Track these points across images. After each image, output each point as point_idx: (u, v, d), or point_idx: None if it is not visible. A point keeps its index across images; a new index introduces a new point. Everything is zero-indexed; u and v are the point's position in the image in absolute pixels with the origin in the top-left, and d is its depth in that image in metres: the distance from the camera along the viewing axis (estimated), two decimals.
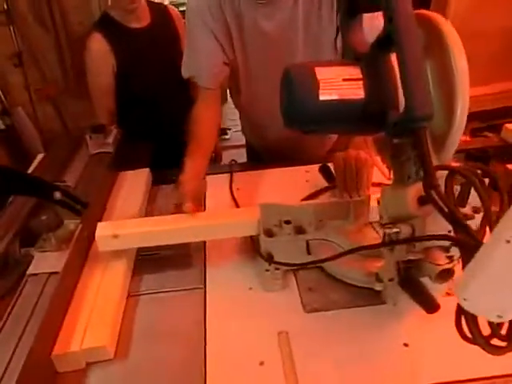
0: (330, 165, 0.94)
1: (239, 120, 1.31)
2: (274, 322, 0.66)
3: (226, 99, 3.74)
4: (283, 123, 0.57)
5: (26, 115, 1.95)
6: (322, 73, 0.53)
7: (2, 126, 1.81)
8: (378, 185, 0.64)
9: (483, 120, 1.74)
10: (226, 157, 1.74)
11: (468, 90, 0.51)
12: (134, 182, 1.02)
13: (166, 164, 1.13)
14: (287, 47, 0.92)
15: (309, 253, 0.73)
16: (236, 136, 3.22)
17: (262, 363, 0.60)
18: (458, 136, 0.52)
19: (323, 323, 0.66)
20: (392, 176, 0.62)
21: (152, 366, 0.61)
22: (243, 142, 1.46)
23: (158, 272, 0.79)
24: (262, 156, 1.30)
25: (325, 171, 0.96)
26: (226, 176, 1.08)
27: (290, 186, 1.00)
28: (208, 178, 1.07)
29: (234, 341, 0.64)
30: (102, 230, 0.73)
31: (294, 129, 0.57)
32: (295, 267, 0.71)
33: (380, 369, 0.59)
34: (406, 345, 0.61)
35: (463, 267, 0.41)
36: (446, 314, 0.54)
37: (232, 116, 3.63)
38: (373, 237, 0.72)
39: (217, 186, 1.04)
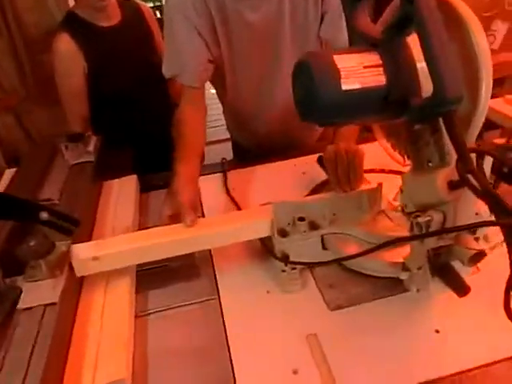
0: None
1: (222, 115, 1.26)
2: (299, 325, 0.63)
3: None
4: (299, 116, 0.53)
5: None
6: (341, 61, 0.49)
7: None
8: (396, 172, 0.61)
9: None
10: (208, 153, 1.69)
11: (491, 70, 0.49)
12: (122, 191, 0.96)
13: (149, 168, 1.07)
14: (273, 40, 0.89)
15: (324, 248, 0.71)
16: (212, 132, 3.17)
17: (295, 372, 0.57)
18: (482, 117, 0.50)
19: (350, 320, 0.63)
20: (409, 162, 0.61)
21: None
22: (222, 137, 1.42)
23: (164, 287, 0.74)
24: (248, 152, 1.25)
25: (322, 163, 0.93)
26: (218, 176, 1.03)
27: (287, 180, 0.96)
28: (200, 179, 1.02)
29: (261, 351, 0.60)
30: (80, 253, 0.67)
31: (311, 121, 0.53)
32: (315, 265, 0.68)
33: (414, 358, 0.57)
34: (437, 331, 0.59)
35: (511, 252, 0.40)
36: (473, 295, 0.54)
37: (208, 111, 3.55)
38: (387, 225, 0.70)
39: (211, 188, 0.99)
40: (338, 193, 0.72)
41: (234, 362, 0.59)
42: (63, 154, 1.04)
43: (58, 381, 0.55)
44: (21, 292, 0.64)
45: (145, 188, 1.02)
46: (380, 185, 0.69)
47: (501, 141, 0.86)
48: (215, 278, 0.73)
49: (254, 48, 0.90)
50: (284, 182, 0.94)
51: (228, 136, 1.37)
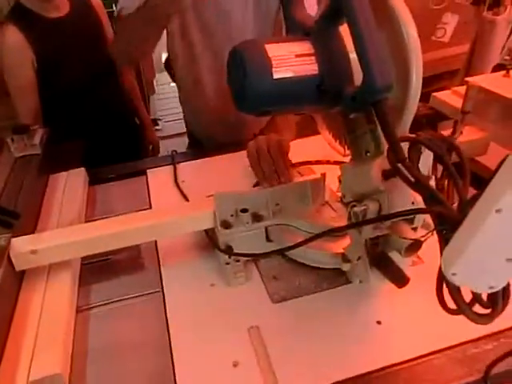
0: None
1: (180, 107, 1.24)
2: (242, 318, 0.62)
3: (154, 90, 3.62)
4: (235, 106, 0.52)
5: None
6: (272, 50, 0.49)
7: None
8: (341, 163, 0.62)
9: None
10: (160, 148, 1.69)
11: (421, 57, 0.49)
12: (69, 184, 0.93)
13: (100, 161, 1.05)
14: (238, 22, 0.89)
15: (268, 240, 0.70)
16: (167, 126, 3.14)
17: (235, 364, 0.56)
18: (414, 105, 0.51)
19: (293, 312, 0.63)
20: (348, 152, 0.61)
21: None
22: (175, 131, 1.42)
23: (107, 280, 0.72)
24: (202, 144, 1.25)
25: None
26: (168, 168, 1.02)
27: (236, 172, 0.95)
28: (148, 172, 1.01)
29: (203, 344, 0.59)
30: (18, 246, 0.65)
31: (245, 111, 0.53)
32: (258, 257, 0.67)
33: (356, 349, 0.57)
34: (378, 322, 0.60)
35: (441, 240, 0.40)
36: (411, 284, 0.55)
37: (161, 106, 3.53)
38: (331, 216, 0.70)
39: (159, 181, 0.98)
40: (266, 188, 0.71)
41: (174, 355, 0.58)
42: (9, 146, 1.00)
43: None
44: None
45: (94, 181, 0.99)
46: (323, 175, 0.69)
47: (448, 132, 0.88)
48: (160, 270, 0.72)
49: (219, 30, 0.93)
50: (235, 174, 0.94)
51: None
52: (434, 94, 1.00)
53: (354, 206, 0.52)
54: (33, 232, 0.79)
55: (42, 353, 0.56)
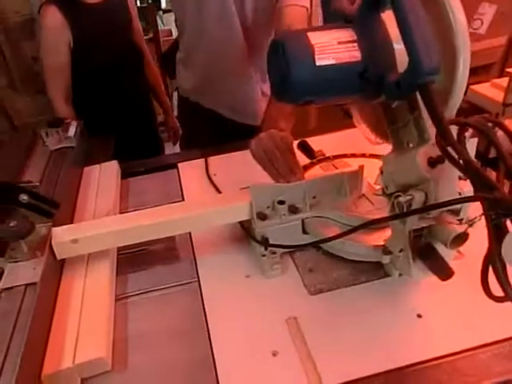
0: (307, 140, 0.92)
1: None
2: (279, 309, 0.62)
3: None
4: (275, 98, 0.53)
5: None
6: (315, 37, 0.49)
7: None
8: (377, 156, 0.61)
9: None
10: None
11: (469, 44, 0.49)
12: (103, 177, 0.95)
13: (127, 155, 1.06)
14: None
15: (304, 232, 0.70)
16: None
17: (274, 354, 0.56)
18: (461, 92, 0.50)
19: (331, 304, 0.63)
20: (380, 141, 0.61)
21: (156, 372, 0.56)
22: None
23: (143, 270, 0.73)
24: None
25: (304, 148, 0.92)
26: (199, 162, 1.02)
27: None
28: (180, 165, 1.02)
29: (241, 333, 0.60)
30: (60, 235, 0.67)
31: (287, 101, 0.53)
32: (295, 249, 0.67)
33: (395, 342, 0.57)
34: (419, 316, 0.59)
35: (491, 227, 0.39)
36: (454, 279, 0.54)
37: None
38: (368, 209, 0.69)
39: (191, 174, 0.99)
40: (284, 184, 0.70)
41: (213, 344, 0.59)
42: (43, 140, 1.02)
43: (39, 356, 0.54)
44: (2, 272, 0.63)
45: (126, 174, 1.01)
46: (361, 167, 0.69)
47: None
48: (195, 261, 0.73)
49: None
50: None
51: None
52: (472, 87, 0.97)
53: (399, 196, 0.52)
54: (70, 222, 0.80)
55: (86, 338, 0.57)
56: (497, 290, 0.42)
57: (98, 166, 0.99)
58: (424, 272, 0.56)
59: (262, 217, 0.68)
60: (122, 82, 1.36)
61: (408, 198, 0.50)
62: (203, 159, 1.02)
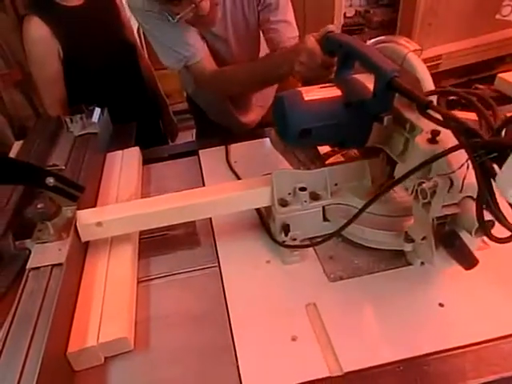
0: None
1: None
2: (299, 295, 0.63)
3: None
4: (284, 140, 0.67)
5: None
6: (306, 90, 0.63)
7: None
8: None
9: (470, 73, 1.71)
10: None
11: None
12: (125, 162, 0.96)
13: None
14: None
15: (325, 219, 0.70)
16: None
17: (294, 338, 0.57)
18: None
19: (350, 291, 0.63)
20: None
21: (177, 353, 0.57)
22: None
23: (165, 254, 0.74)
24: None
25: None
26: (220, 149, 1.03)
27: None
28: (201, 152, 1.02)
29: (260, 318, 0.60)
30: (84, 218, 0.68)
31: (289, 137, 0.62)
32: (315, 245, 0.68)
33: (416, 330, 0.56)
34: (441, 305, 0.59)
35: (477, 168, 0.43)
36: (476, 269, 0.53)
37: None
38: (391, 196, 0.69)
39: (212, 161, 0.99)
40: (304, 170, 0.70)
41: (233, 328, 0.59)
42: (68, 126, 1.04)
43: (64, 335, 0.56)
44: (30, 253, 0.66)
45: (147, 160, 1.02)
46: (384, 154, 0.67)
47: None
48: (215, 246, 0.73)
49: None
50: None
51: None
52: (500, 75, 0.95)
53: (422, 182, 0.51)
54: (94, 206, 0.82)
55: (110, 318, 0.59)
56: None
57: (120, 151, 1.01)
58: (447, 261, 0.55)
59: (283, 203, 0.68)
60: (118, 79, 1.31)
61: (432, 183, 0.49)
62: (223, 146, 1.02)
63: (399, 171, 0.59)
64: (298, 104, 0.61)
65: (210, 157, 1.01)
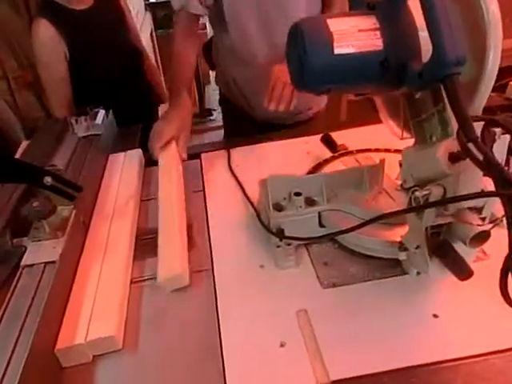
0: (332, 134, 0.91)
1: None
2: (290, 301, 0.62)
3: (210, 81, 3.67)
4: (294, 86, 0.52)
5: (6, 105, 1.84)
6: (334, 24, 0.48)
7: None
8: (396, 152, 0.59)
9: None
10: (211, 138, 1.69)
11: (501, 35, 0.46)
12: (127, 164, 0.97)
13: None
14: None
15: (321, 225, 0.69)
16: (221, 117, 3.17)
17: (282, 345, 0.56)
18: (489, 85, 0.47)
19: (343, 299, 0.62)
20: (407, 135, 0.59)
21: (165, 355, 0.57)
22: None
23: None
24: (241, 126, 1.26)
25: (326, 141, 0.91)
26: (222, 152, 1.03)
27: (290, 159, 0.95)
28: (203, 155, 1.03)
29: (250, 323, 0.60)
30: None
31: (304, 89, 0.52)
32: (309, 241, 0.66)
33: (409, 342, 0.55)
34: (435, 316, 0.57)
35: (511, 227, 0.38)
36: (474, 280, 0.51)
37: (216, 97, 3.58)
38: (389, 204, 0.68)
39: (213, 164, 0.99)
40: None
41: (222, 331, 0.59)
42: (73, 127, 1.06)
43: (53, 331, 0.56)
44: (25, 251, 0.67)
45: (149, 162, 1.02)
46: (382, 161, 0.67)
47: None
48: (211, 250, 0.73)
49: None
50: (288, 160, 0.93)
51: None
52: None
53: (416, 190, 0.50)
54: (93, 208, 0.83)
55: (99, 317, 0.59)
56: None
57: (122, 153, 1.01)
58: (442, 270, 0.54)
59: (279, 208, 0.67)
60: (122, 82, 1.33)
61: (425, 192, 0.48)
62: (225, 150, 1.02)
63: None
64: (324, 58, 0.47)
65: (213, 160, 1.01)
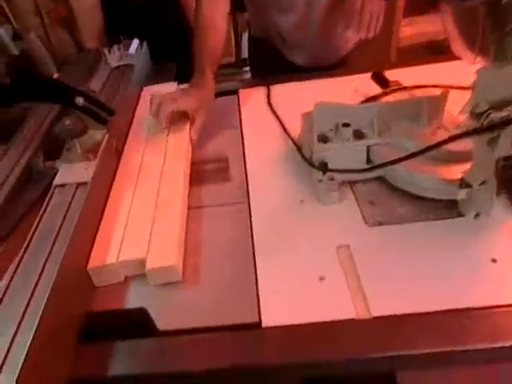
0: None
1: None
2: (331, 236, 0.58)
3: (247, 28, 3.52)
4: None
5: (39, 40, 1.82)
6: None
7: (16, 52, 1.69)
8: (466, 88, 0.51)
9: None
10: None
11: None
12: None
13: None
14: None
15: (369, 161, 0.64)
16: None
17: (322, 278, 0.52)
18: None
19: (390, 238, 0.57)
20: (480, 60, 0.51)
21: (198, 279, 0.55)
22: None
23: (195, 186, 0.71)
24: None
25: (377, 78, 0.83)
26: (261, 89, 0.96)
27: (335, 96, 0.84)
28: (240, 91, 0.97)
29: (287, 257, 0.56)
30: None
31: None
32: (355, 173, 0.61)
33: (462, 285, 0.50)
34: (493, 260, 0.52)
35: None
36: None
37: None
38: None
39: (251, 101, 0.94)
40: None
41: (257, 264, 0.55)
42: (106, 57, 1.02)
43: (85, 249, 0.55)
44: (57, 172, 0.65)
45: None
46: (445, 93, 0.60)
47: None
48: (247, 182, 0.69)
49: None
50: (332, 98, 0.85)
51: None
52: None
53: (491, 113, 0.43)
54: (126, 135, 0.80)
55: (131, 239, 0.56)
56: None
57: (157, 85, 0.97)
58: (507, 211, 0.48)
59: (324, 139, 0.62)
60: (157, 14, 1.28)
61: (504, 114, 0.42)
62: (265, 87, 0.96)
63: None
64: None
65: (251, 97, 0.95)
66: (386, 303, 0.48)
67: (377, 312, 0.47)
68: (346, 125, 0.61)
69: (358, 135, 0.62)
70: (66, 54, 1.89)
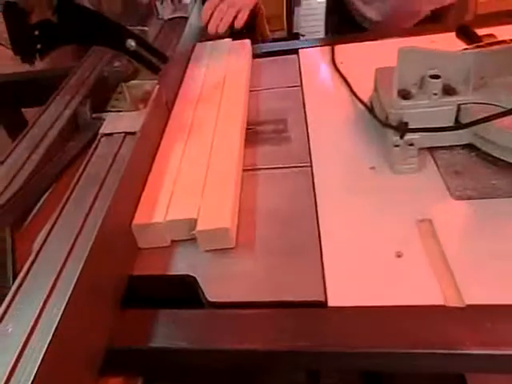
0: None
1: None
2: (409, 208, 0.49)
3: (300, 3, 3.39)
4: None
5: None
6: None
7: None
8: None
9: None
10: None
11: None
12: (216, 53, 0.86)
13: None
14: None
15: (457, 122, 0.54)
16: None
17: (399, 255, 0.44)
18: None
19: (481, 213, 0.48)
20: None
21: (255, 249, 0.48)
22: None
23: (250, 147, 0.64)
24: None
25: (464, 33, 0.72)
26: (324, 49, 0.87)
27: None
28: (301, 51, 0.88)
29: (354, 228, 0.48)
30: None
31: None
32: (442, 132, 0.52)
33: None
34: None
35: None
36: None
37: (305, 23, 3.29)
38: None
39: (313, 61, 0.85)
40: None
41: (322, 234, 0.48)
42: (157, 10, 0.96)
43: (132, 203, 0.50)
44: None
45: None
46: None
47: None
48: (309, 144, 0.61)
49: None
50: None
51: None
52: None
53: None
54: (177, 90, 0.74)
55: (181, 198, 0.51)
56: None
57: (211, 42, 0.90)
58: None
59: (406, 94, 0.53)
60: None
61: None
62: (328, 47, 0.87)
63: None
64: None
65: (312, 57, 0.87)
66: (479, 290, 0.40)
67: (471, 300, 0.39)
68: (436, 77, 0.51)
69: (448, 90, 0.52)
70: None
